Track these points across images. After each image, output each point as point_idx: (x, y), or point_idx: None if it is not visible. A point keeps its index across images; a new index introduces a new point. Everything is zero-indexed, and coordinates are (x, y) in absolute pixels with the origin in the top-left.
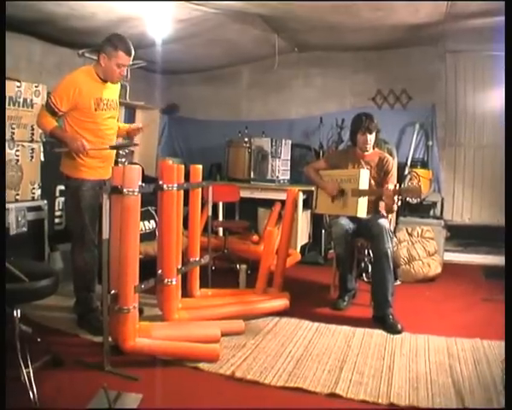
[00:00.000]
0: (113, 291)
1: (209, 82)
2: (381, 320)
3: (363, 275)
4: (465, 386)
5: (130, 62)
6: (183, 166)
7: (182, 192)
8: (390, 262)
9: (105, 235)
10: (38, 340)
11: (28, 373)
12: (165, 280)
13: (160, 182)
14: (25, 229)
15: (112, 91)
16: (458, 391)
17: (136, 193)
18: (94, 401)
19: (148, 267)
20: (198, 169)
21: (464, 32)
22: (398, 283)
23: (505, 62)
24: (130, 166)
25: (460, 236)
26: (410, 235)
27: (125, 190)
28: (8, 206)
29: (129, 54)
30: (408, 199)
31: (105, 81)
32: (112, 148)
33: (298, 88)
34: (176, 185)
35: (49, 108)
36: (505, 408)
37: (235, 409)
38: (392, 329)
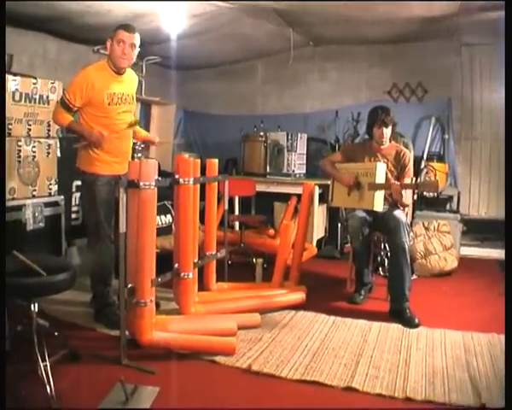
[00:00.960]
0: (130, 285)
1: (224, 77)
2: (398, 314)
3: (380, 269)
4: (482, 382)
5: (134, 42)
6: (199, 161)
7: (198, 186)
8: (407, 256)
9: (122, 229)
10: (55, 334)
11: (45, 367)
12: (182, 274)
13: (177, 176)
14: (42, 224)
15: (126, 85)
16: (475, 387)
17: (152, 187)
18: (111, 394)
19: (165, 261)
20: (214, 163)
21: (479, 25)
22: (415, 277)
23: (505, 62)
24: (146, 161)
25: (476, 230)
26: (427, 229)
27: (141, 183)
28: (25, 202)
29: (128, 30)
30: (425, 193)
31: (119, 75)
32: (129, 127)
33: (313, 82)
34: (192, 179)
35: (64, 104)
36: (505, 408)
37: (252, 402)
38: (409, 323)
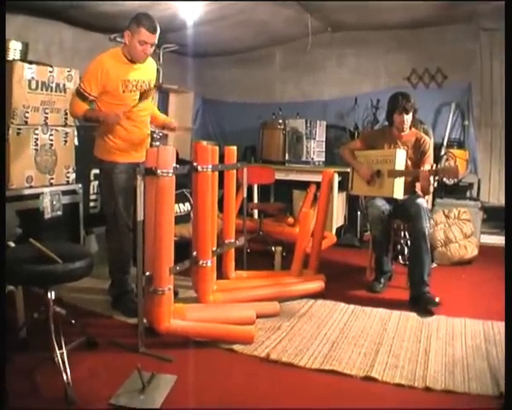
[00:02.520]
0: (147, 273)
1: (242, 64)
2: (418, 299)
3: (400, 257)
4: (501, 371)
5: (154, 41)
6: (217, 148)
7: (216, 174)
8: (427, 242)
9: (139, 217)
10: (73, 321)
11: (62, 355)
12: (200, 262)
13: (195, 163)
14: (60, 213)
15: (142, 72)
16: (494, 376)
17: (170, 174)
18: (128, 382)
19: (183, 250)
20: (232, 150)
21: (499, 9)
22: (435, 265)
23: (505, 62)
24: (164, 148)
25: (497, 218)
26: (447, 217)
27: (159, 171)
28: (42, 190)
29: (151, 31)
30: (445, 180)
31: (133, 62)
32: (140, 98)
33: (331, 68)
34: (210, 166)
35: (80, 94)
36: (505, 408)
37: (270, 391)
38: (429, 302)
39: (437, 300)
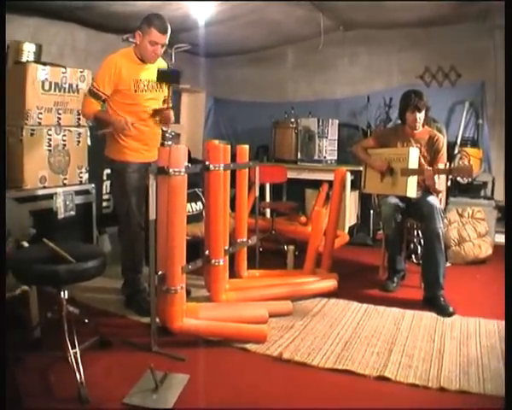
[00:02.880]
0: (160, 272)
1: (254, 64)
2: (432, 302)
3: (413, 256)
4: None
5: (165, 42)
6: (229, 147)
7: (228, 173)
8: (441, 243)
9: (151, 216)
10: (86, 321)
11: (75, 354)
12: (213, 261)
13: (207, 162)
14: (73, 213)
15: (153, 73)
16: None
17: (182, 173)
18: (141, 381)
19: (196, 249)
20: (245, 149)
21: None
22: (448, 264)
23: (505, 61)
24: (176, 146)
25: None
26: (461, 216)
27: (171, 170)
28: (56, 190)
29: (162, 32)
30: (459, 179)
31: (145, 62)
32: (154, 114)
33: (344, 67)
34: (222, 165)
35: (93, 93)
36: (505, 408)
37: (282, 390)
38: (443, 311)
39: (451, 309)
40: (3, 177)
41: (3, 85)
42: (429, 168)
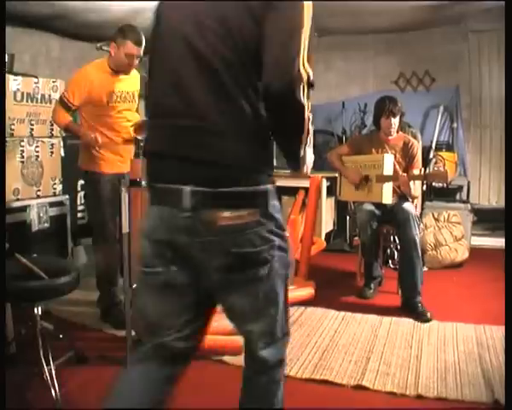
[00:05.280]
0: (134, 285)
1: None
2: (410, 308)
3: (390, 262)
4: (495, 376)
5: (141, 53)
6: None
7: None
8: (418, 249)
9: (125, 229)
10: (60, 336)
11: (50, 371)
12: None
13: None
14: (47, 225)
15: (127, 83)
16: (488, 382)
17: None
18: None
19: None
20: None
21: (487, 10)
22: (425, 269)
23: (505, 62)
24: None
25: (487, 219)
26: (437, 220)
27: (143, 182)
28: (29, 202)
29: (138, 44)
30: (434, 183)
31: (118, 73)
32: (125, 143)
33: (318, 73)
34: None
35: (63, 103)
36: (505, 408)
37: None
38: (421, 317)
39: (429, 315)
40: (3, 179)
41: (3, 86)
42: (404, 174)
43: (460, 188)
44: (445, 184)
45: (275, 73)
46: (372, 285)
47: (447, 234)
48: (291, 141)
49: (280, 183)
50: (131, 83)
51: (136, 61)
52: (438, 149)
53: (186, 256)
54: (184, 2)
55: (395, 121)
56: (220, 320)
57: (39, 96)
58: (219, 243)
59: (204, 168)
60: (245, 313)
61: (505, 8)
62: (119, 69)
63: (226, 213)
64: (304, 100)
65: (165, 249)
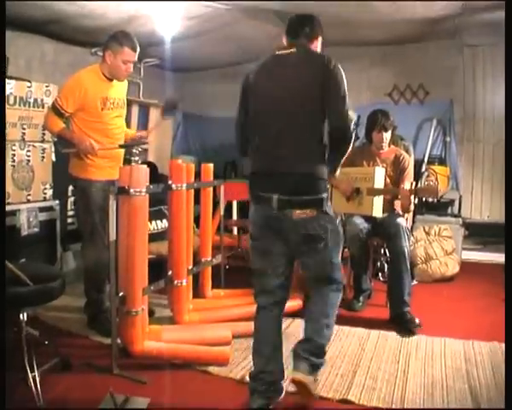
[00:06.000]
0: (121, 293)
1: (224, 79)
2: (398, 321)
3: (379, 274)
4: (482, 393)
5: (136, 59)
6: (193, 166)
7: (192, 191)
8: (407, 262)
9: (112, 236)
10: (46, 343)
11: (34, 377)
12: (175, 281)
13: (170, 181)
14: (36, 229)
15: (118, 90)
16: (475, 398)
17: (143, 193)
18: (102, 405)
19: (161, 267)
20: (209, 168)
21: (482, 25)
22: (415, 282)
23: (506, 64)
24: (137, 166)
25: (479, 233)
26: (428, 234)
27: (131, 190)
28: (19, 207)
29: (134, 50)
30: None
31: (111, 80)
32: (121, 147)
33: None
34: (185, 185)
35: (56, 110)
36: (505, 408)
37: None
38: (409, 324)
39: (417, 321)
40: (3, 181)
41: (3, 88)
42: (405, 188)
43: (452, 202)
44: (435, 199)
45: (338, 121)
46: (361, 298)
47: (438, 248)
48: (341, 158)
49: None
50: (122, 89)
51: (132, 67)
52: (430, 162)
53: (276, 235)
54: (273, 72)
55: (387, 136)
56: (209, 330)
57: (32, 101)
58: (294, 227)
59: (285, 182)
60: (309, 266)
61: (505, 8)
62: (115, 76)
63: (298, 211)
64: (352, 134)
65: (264, 230)
